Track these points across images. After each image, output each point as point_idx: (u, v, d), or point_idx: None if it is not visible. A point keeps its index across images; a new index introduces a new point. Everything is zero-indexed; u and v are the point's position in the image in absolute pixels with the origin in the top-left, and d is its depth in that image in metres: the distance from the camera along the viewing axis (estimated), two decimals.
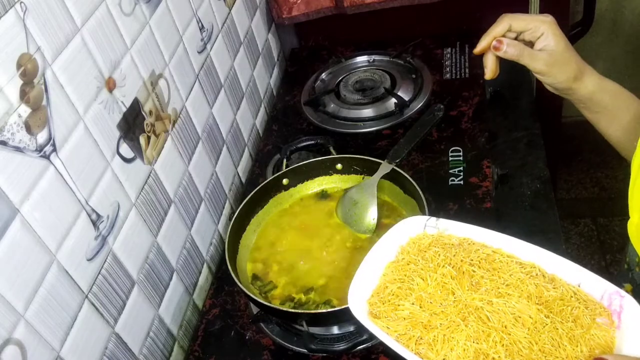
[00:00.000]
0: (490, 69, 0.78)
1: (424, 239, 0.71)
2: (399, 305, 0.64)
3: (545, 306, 0.59)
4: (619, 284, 0.72)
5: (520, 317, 0.58)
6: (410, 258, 0.68)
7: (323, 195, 1.00)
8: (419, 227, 0.73)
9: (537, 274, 0.63)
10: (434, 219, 0.73)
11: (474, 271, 0.64)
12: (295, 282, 0.88)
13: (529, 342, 0.56)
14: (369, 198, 0.92)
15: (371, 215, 0.91)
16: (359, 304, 0.67)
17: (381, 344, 0.84)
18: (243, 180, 1.22)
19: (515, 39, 0.77)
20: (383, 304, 0.65)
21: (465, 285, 0.63)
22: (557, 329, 0.57)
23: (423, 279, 0.65)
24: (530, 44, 0.76)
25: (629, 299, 0.57)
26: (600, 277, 0.60)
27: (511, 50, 0.75)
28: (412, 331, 0.61)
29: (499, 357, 0.56)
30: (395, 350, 0.60)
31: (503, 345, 0.56)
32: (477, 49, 0.78)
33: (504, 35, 0.77)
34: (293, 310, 0.81)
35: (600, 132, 0.81)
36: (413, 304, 0.63)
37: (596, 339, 0.57)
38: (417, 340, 0.60)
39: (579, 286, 0.61)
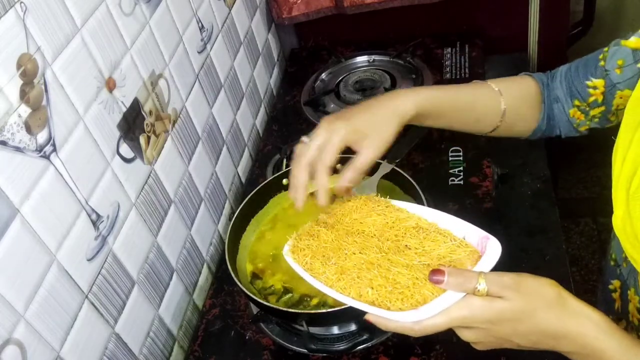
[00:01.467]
0: (302, 201, 0.72)
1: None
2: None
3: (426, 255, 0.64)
4: (608, 281, 0.72)
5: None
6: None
7: None
8: None
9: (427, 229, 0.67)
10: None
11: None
12: (291, 281, 0.88)
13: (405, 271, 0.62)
14: None
15: None
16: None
17: (381, 343, 0.85)
18: (243, 180, 1.22)
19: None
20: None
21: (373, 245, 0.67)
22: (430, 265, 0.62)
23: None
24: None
25: (494, 240, 0.62)
26: (475, 227, 0.64)
27: (356, 179, 0.72)
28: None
29: (380, 280, 0.62)
30: (314, 285, 0.64)
31: (385, 276, 0.62)
32: (300, 205, 0.72)
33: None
34: (293, 310, 0.81)
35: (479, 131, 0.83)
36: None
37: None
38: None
39: (464, 238, 0.65)
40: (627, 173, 0.60)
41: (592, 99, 0.77)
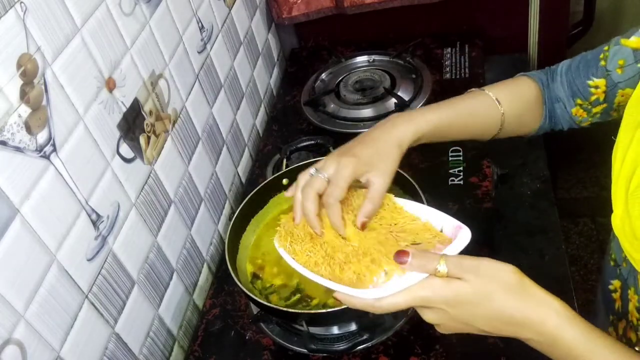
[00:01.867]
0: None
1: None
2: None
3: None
4: (607, 282, 0.72)
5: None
6: None
7: None
8: None
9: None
10: None
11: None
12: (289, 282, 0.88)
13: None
14: None
15: None
16: None
17: (381, 343, 0.85)
18: (243, 180, 1.22)
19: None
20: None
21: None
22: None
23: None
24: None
25: (465, 229, 0.64)
26: (450, 217, 0.67)
27: (372, 214, 0.73)
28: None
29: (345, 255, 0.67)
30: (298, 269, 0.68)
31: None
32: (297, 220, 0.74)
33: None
34: (293, 310, 0.81)
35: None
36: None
37: None
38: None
39: (441, 229, 0.68)
40: (627, 172, 0.60)
41: (594, 97, 0.77)
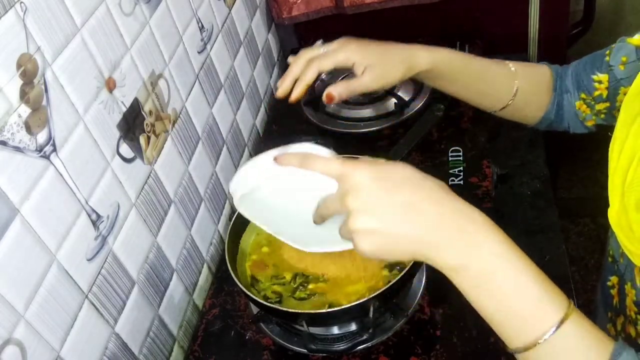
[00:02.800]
0: (284, 90, 0.79)
1: None
2: None
3: None
4: (606, 278, 0.72)
5: None
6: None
7: None
8: None
9: None
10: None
11: None
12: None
13: None
14: None
15: None
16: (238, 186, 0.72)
17: (381, 343, 0.85)
18: None
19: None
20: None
21: None
22: None
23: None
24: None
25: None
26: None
27: (345, 95, 0.77)
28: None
29: None
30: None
31: None
32: (280, 93, 0.79)
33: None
34: (293, 311, 0.81)
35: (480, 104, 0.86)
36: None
37: None
38: None
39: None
40: (623, 166, 0.61)
41: (597, 93, 0.78)
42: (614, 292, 0.71)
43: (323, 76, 1.37)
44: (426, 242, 0.54)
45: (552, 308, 0.51)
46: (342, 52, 0.75)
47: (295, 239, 0.69)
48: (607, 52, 0.76)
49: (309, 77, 0.76)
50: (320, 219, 0.62)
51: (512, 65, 0.83)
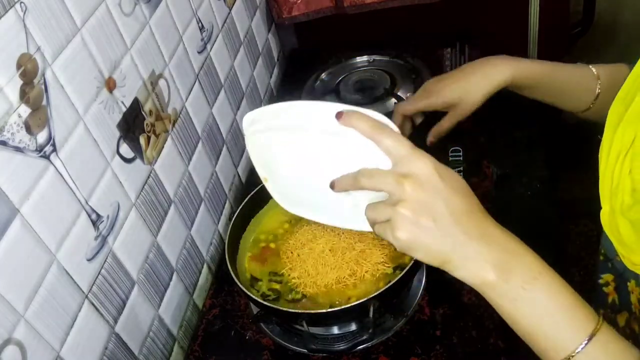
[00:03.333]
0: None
1: None
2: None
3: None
4: (598, 276, 0.72)
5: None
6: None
7: None
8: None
9: None
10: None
11: None
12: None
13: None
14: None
15: None
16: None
17: (381, 343, 0.85)
18: (243, 180, 1.22)
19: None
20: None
21: None
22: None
23: None
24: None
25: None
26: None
27: (439, 137, 0.87)
28: None
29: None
30: None
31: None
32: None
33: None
34: (293, 311, 0.81)
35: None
36: None
37: None
38: None
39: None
40: (611, 169, 0.61)
41: None
42: (608, 289, 0.71)
43: (323, 76, 1.37)
44: (471, 252, 0.54)
45: (586, 320, 0.53)
46: (422, 102, 0.82)
47: (285, 195, 0.69)
48: None
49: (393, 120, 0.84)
50: (345, 187, 0.61)
51: (594, 69, 0.83)
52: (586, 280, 1.88)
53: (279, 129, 0.68)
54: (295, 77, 1.42)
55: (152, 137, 0.89)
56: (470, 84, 0.80)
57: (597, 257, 0.73)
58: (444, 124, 0.84)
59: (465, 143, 1.10)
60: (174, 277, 0.94)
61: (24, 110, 0.64)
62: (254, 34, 1.33)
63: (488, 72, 0.80)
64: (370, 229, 0.59)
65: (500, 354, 0.80)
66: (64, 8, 0.71)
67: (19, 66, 0.63)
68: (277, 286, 0.87)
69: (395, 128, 0.59)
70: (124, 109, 0.82)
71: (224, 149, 1.14)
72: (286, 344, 0.87)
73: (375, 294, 0.76)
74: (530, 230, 0.98)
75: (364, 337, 0.80)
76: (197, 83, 1.04)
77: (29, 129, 0.64)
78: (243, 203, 0.94)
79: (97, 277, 0.75)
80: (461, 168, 1.06)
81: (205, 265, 1.05)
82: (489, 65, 0.81)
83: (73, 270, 0.70)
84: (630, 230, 0.58)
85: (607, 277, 0.70)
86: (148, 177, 0.87)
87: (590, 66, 0.83)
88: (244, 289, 0.82)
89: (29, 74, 0.65)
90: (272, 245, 0.92)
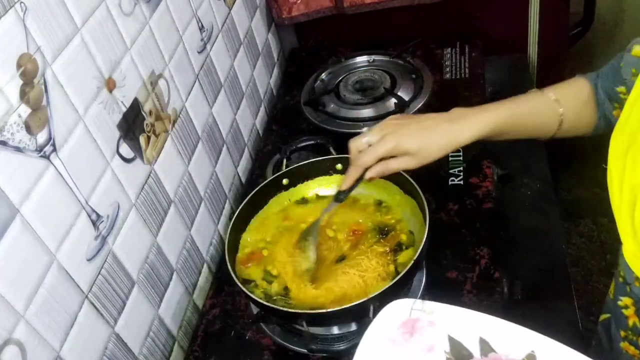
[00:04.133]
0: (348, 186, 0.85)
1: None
2: None
3: None
4: (617, 297, 0.71)
5: None
6: None
7: (303, 200, 1.00)
8: (404, 313, 0.68)
9: None
10: (419, 301, 0.67)
11: None
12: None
13: None
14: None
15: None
16: None
17: None
18: (243, 180, 1.22)
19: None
20: None
21: None
22: None
23: None
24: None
25: None
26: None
27: (382, 175, 0.83)
28: None
29: None
30: None
31: None
32: (344, 187, 0.85)
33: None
34: (293, 310, 0.81)
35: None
36: None
37: None
38: None
39: None
40: (627, 202, 0.59)
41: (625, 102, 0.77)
42: (627, 312, 0.70)
43: (323, 76, 1.37)
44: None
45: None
46: (382, 147, 0.80)
47: None
48: (621, 64, 0.75)
49: (349, 180, 0.84)
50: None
51: (552, 94, 0.81)
52: (587, 281, 1.87)
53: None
54: (295, 77, 1.42)
55: (152, 137, 0.89)
56: (432, 141, 0.79)
57: (615, 277, 0.72)
58: (392, 165, 0.80)
59: None
60: (174, 277, 0.94)
61: (24, 110, 0.64)
62: (254, 34, 1.33)
63: (449, 133, 0.79)
64: None
65: None
66: (64, 8, 0.71)
67: (19, 66, 0.63)
68: (267, 287, 0.87)
69: None
70: (124, 109, 0.82)
71: (224, 149, 1.14)
72: (286, 344, 0.87)
73: (375, 294, 0.76)
74: (530, 231, 0.99)
75: None
76: (197, 83, 1.04)
77: (29, 129, 0.64)
78: (243, 203, 0.94)
79: (97, 277, 0.75)
80: (461, 168, 1.06)
81: (205, 266, 1.05)
82: (450, 124, 0.80)
83: (73, 270, 0.70)
84: None
85: (626, 300, 0.69)
86: (148, 177, 0.87)
87: (546, 91, 0.82)
88: (244, 289, 0.82)
89: (29, 74, 0.65)
90: (270, 246, 0.92)
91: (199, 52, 1.05)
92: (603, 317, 0.77)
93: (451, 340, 0.63)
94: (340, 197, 0.87)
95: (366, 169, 0.81)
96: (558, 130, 0.82)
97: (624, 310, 0.70)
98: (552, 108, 0.81)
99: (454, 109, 0.81)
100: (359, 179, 0.84)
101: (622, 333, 0.71)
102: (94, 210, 0.75)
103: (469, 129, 0.79)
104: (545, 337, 0.60)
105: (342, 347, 0.81)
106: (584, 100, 0.81)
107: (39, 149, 0.66)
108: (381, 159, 0.80)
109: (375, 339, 0.65)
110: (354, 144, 0.83)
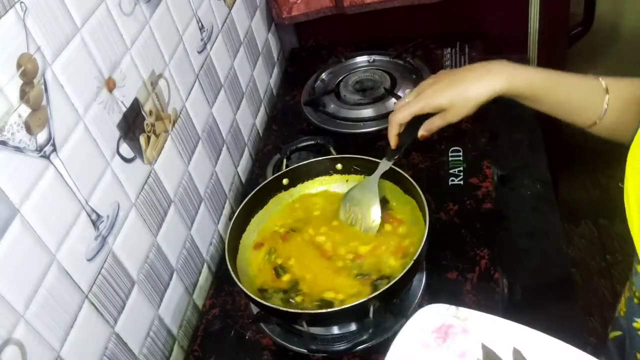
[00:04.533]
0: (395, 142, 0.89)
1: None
2: None
3: None
4: (632, 318, 0.69)
5: None
6: None
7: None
8: (438, 318, 0.68)
9: None
10: (453, 307, 0.67)
11: None
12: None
13: None
14: (371, 197, 0.91)
15: (373, 215, 0.91)
16: None
17: (381, 343, 0.84)
18: (243, 180, 1.22)
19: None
20: None
21: None
22: None
23: None
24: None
25: None
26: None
27: (431, 132, 0.86)
28: None
29: None
30: None
31: None
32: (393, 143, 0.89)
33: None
34: (293, 311, 0.81)
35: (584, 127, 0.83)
36: None
37: None
38: None
39: None
40: None
41: None
42: None
43: (323, 76, 1.37)
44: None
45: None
46: (415, 103, 0.83)
47: None
48: None
49: (391, 135, 0.88)
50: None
51: (603, 81, 0.77)
52: (588, 282, 1.88)
53: None
54: (295, 77, 1.42)
55: (152, 137, 0.89)
56: (463, 92, 0.78)
57: (629, 297, 0.70)
58: (436, 122, 0.83)
59: (465, 143, 1.10)
60: (174, 277, 0.94)
61: (24, 110, 0.64)
62: (254, 34, 1.33)
63: (482, 80, 0.78)
64: None
65: None
66: (64, 8, 0.71)
67: (19, 66, 0.63)
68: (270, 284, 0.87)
69: None
70: (124, 109, 0.82)
71: (224, 149, 1.14)
72: (286, 344, 0.87)
73: (375, 294, 0.76)
74: (531, 232, 0.99)
75: (364, 337, 0.80)
76: (197, 83, 1.04)
77: (29, 129, 0.64)
78: (243, 203, 0.94)
79: (97, 277, 0.75)
80: (461, 168, 1.06)
81: (205, 265, 1.05)
82: (484, 71, 0.78)
83: (73, 270, 0.70)
84: None
85: None
86: (148, 177, 0.87)
87: (600, 78, 0.77)
88: (244, 289, 0.82)
89: (29, 74, 0.65)
90: (272, 243, 0.92)
91: (199, 52, 1.05)
92: (613, 334, 0.75)
93: (484, 348, 0.62)
94: (392, 156, 0.89)
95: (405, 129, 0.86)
96: (599, 122, 0.77)
97: (639, 332, 0.69)
98: (598, 93, 0.76)
99: (495, 60, 0.81)
100: (408, 140, 0.88)
101: (639, 355, 0.70)
102: (94, 210, 0.75)
103: (504, 80, 0.77)
104: (580, 351, 0.59)
105: (342, 347, 0.81)
106: (636, 100, 0.76)
107: (39, 149, 0.66)
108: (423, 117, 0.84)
109: (408, 343, 0.65)
110: (397, 104, 0.88)
